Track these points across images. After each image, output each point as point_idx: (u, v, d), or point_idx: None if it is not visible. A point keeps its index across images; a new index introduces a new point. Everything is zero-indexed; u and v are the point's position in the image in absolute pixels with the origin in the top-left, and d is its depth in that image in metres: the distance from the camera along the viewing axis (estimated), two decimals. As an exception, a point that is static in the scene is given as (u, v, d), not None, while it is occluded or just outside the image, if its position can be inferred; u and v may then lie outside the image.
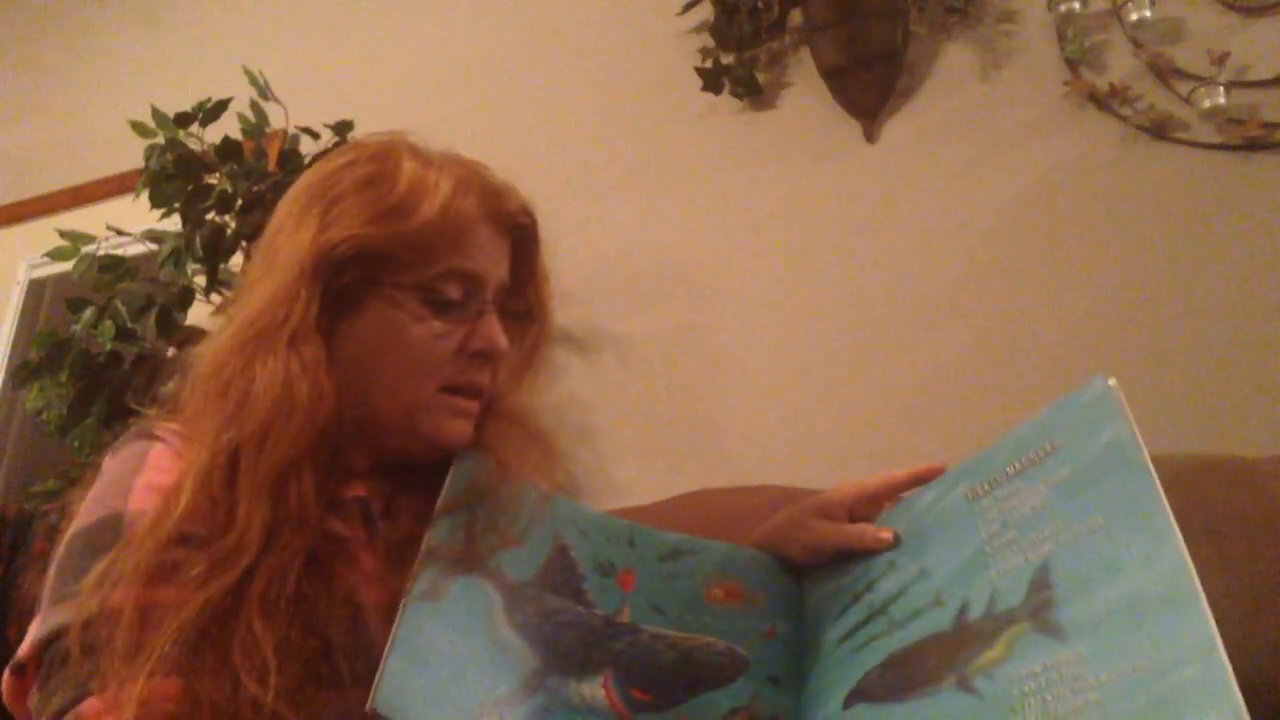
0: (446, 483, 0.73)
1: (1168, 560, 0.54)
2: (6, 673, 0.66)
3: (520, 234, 0.84)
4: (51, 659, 0.64)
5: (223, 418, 0.70)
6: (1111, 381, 0.63)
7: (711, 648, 0.71)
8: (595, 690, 0.66)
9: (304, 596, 0.65)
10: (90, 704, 0.60)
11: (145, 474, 0.70)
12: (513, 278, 0.83)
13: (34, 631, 0.66)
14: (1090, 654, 0.54)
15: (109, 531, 0.67)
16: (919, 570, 0.69)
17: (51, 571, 0.69)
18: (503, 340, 0.78)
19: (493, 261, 0.80)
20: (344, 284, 0.75)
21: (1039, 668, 0.56)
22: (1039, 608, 0.59)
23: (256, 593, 0.63)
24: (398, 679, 0.60)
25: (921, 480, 0.76)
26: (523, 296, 0.85)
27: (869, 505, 0.79)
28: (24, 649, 0.65)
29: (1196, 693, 0.49)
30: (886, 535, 0.74)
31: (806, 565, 0.79)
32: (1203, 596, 0.51)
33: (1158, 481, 0.57)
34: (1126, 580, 0.55)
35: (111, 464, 0.74)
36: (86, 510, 0.70)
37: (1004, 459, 0.68)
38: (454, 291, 0.77)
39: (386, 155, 0.79)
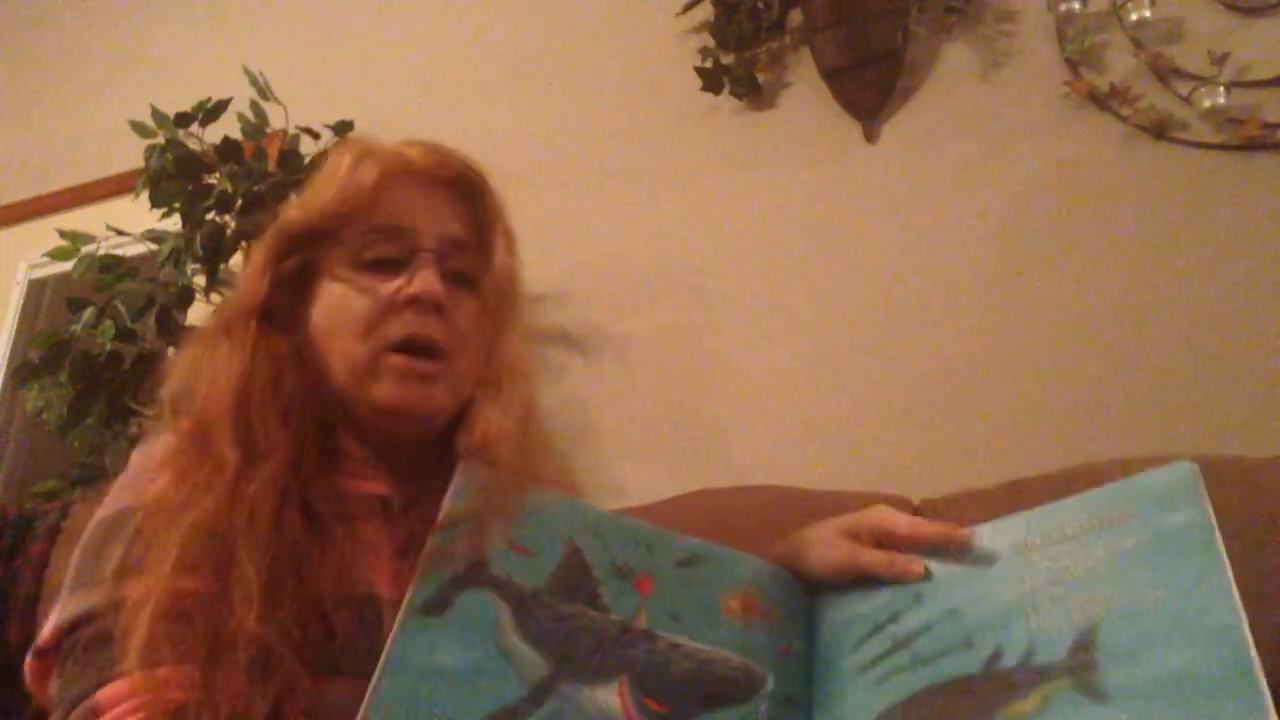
0: (450, 491, 0.73)
1: (1230, 647, 0.53)
2: (30, 656, 0.69)
3: (468, 190, 0.86)
4: (71, 646, 0.66)
5: (195, 395, 0.77)
6: (1194, 466, 0.62)
7: (728, 662, 0.70)
8: (610, 697, 0.65)
9: (298, 547, 0.68)
10: (105, 693, 0.62)
11: (152, 488, 0.72)
12: (474, 239, 0.85)
13: (55, 618, 0.68)
14: None
15: (127, 522, 0.69)
16: (948, 609, 0.67)
17: (74, 559, 0.71)
18: (436, 285, 0.78)
19: (424, 215, 0.82)
20: (294, 268, 0.82)
21: None
22: (1081, 667, 0.57)
23: (239, 528, 0.67)
24: (390, 698, 0.59)
25: (946, 544, 0.72)
26: (476, 253, 0.85)
27: (892, 540, 0.76)
28: (45, 634, 0.68)
29: None
30: (917, 568, 0.71)
31: (826, 583, 0.78)
32: (1265, 690, 0.50)
33: (1230, 571, 0.56)
34: (1181, 656, 0.54)
35: (137, 457, 0.78)
36: (110, 500, 0.74)
37: (1064, 519, 0.66)
38: (383, 249, 0.80)
39: (327, 155, 0.90)
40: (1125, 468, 1.11)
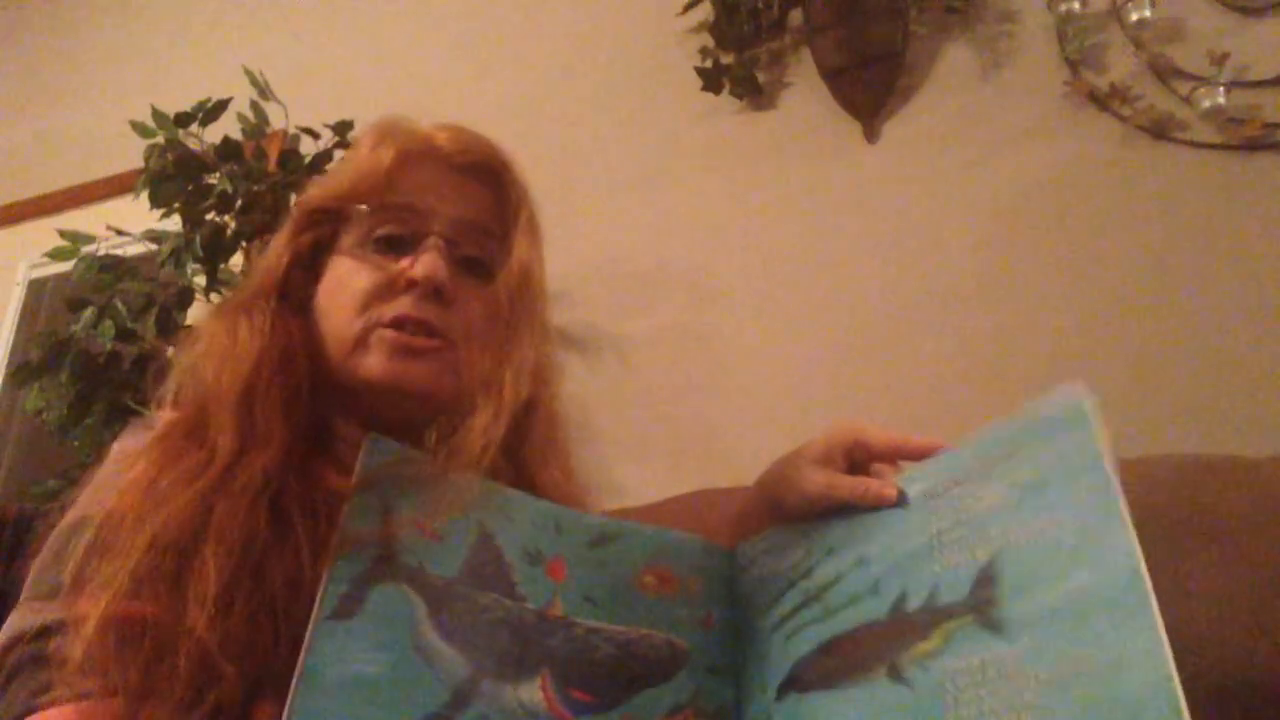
0: (356, 468, 0.67)
1: (1119, 564, 0.53)
2: None
3: (491, 177, 0.84)
4: (15, 664, 0.61)
5: (203, 378, 0.74)
6: (1082, 387, 0.62)
7: (649, 640, 0.67)
8: (534, 693, 0.62)
9: (263, 545, 0.63)
10: None
11: (128, 474, 0.67)
12: (493, 227, 0.82)
13: (3, 632, 0.64)
14: (1030, 651, 0.53)
15: (85, 531, 0.64)
16: (858, 558, 0.67)
17: (34, 566, 0.67)
18: (439, 270, 0.75)
19: (438, 197, 0.79)
20: (310, 246, 0.81)
21: (976, 662, 0.55)
22: (982, 603, 0.57)
23: (212, 525, 0.63)
24: (308, 716, 0.56)
25: (925, 455, 0.70)
26: (494, 242, 0.81)
27: (867, 454, 0.73)
28: None
29: (1138, 699, 0.48)
30: (891, 492, 0.67)
31: (803, 517, 0.73)
32: (1154, 604, 0.50)
33: (1119, 488, 0.56)
34: (1072, 579, 0.54)
35: (115, 448, 0.74)
36: (78, 503, 0.69)
37: (965, 462, 0.66)
38: (392, 228, 0.78)
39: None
40: (1125, 467, 1.11)
